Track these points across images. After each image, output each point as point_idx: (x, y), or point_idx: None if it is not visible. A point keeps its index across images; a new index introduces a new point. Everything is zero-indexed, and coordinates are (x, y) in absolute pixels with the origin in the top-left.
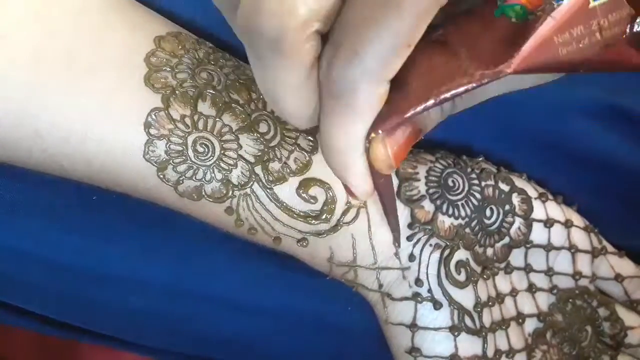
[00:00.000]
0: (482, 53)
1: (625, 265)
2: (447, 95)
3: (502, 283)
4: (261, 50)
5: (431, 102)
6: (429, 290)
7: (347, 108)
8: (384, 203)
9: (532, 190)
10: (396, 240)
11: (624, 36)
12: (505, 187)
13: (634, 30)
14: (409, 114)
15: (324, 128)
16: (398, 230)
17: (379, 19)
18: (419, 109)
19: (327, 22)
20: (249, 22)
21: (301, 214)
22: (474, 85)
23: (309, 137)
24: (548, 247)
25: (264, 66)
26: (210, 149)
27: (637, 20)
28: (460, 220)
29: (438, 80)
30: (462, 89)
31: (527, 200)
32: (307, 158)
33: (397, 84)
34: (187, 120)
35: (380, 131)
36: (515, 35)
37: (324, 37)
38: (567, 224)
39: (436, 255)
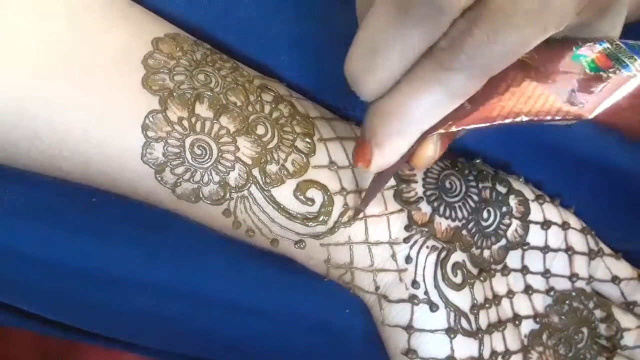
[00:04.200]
0: (567, 91)
1: (622, 268)
2: (533, 117)
3: (499, 285)
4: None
5: (519, 118)
6: (426, 292)
7: (450, 82)
8: (376, 181)
9: (529, 193)
10: (356, 213)
11: None
12: (502, 189)
13: None
14: (495, 122)
15: (406, 91)
16: (365, 206)
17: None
18: (507, 120)
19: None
20: None
21: (298, 216)
22: (558, 118)
23: (307, 140)
24: (545, 249)
25: (397, 16)
26: (208, 151)
27: None
28: (457, 222)
29: (527, 102)
30: (548, 116)
31: (524, 202)
32: (305, 160)
33: (483, 89)
34: (185, 123)
35: (452, 128)
36: (593, 85)
37: None
38: (564, 226)
39: (433, 257)
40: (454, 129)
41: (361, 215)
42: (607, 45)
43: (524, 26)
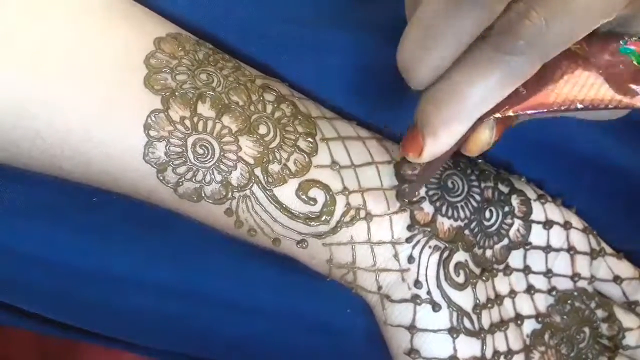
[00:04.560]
0: (618, 81)
1: (623, 267)
2: (587, 105)
3: (501, 284)
4: None
5: (574, 105)
6: (428, 292)
7: (507, 66)
8: (426, 169)
9: (531, 192)
10: (403, 203)
11: None
12: (504, 189)
13: None
14: (552, 108)
15: (461, 76)
16: (412, 196)
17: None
18: (562, 107)
19: None
20: None
21: (301, 215)
22: (611, 106)
23: (309, 139)
24: (547, 249)
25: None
26: (210, 151)
27: None
28: (459, 222)
29: (581, 90)
30: (602, 105)
31: (526, 201)
32: (307, 160)
33: (538, 76)
34: (187, 122)
35: (508, 112)
36: (637, 72)
37: None
38: (566, 226)
39: (435, 257)
40: (510, 113)
41: (363, 214)
42: None
43: (579, 11)
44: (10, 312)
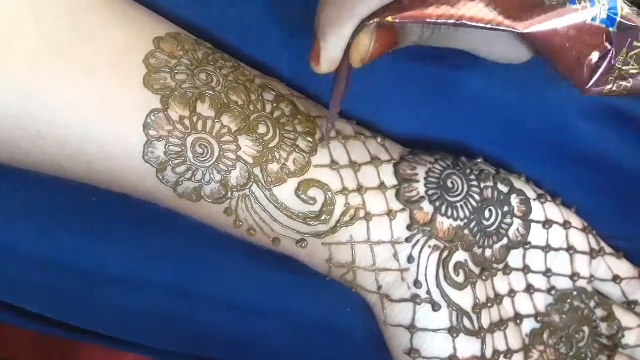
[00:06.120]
0: (507, 8)
1: (622, 267)
2: (465, 21)
3: (500, 284)
4: None
5: (452, 20)
6: (428, 292)
7: None
8: (334, 86)
9: (530, 192)
10: (327, 130)
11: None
12: (504, 188)
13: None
14: (430, 19)
15: None
16: (333, 121)
17: None
18: (440, 20)
19: None
20: None
21: (300, 214)
22: (491, 26)
23: (308, 138)
24: (546, 248)
25: None
26: (209, 150)
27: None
28: (459, 222)
29: (464, 7)
30: (480, 24)
31: (525, 201)
32: (306, 159)
33: None
34: (186, 121)
35: (388, 19)
36: (535, 8)
37: None
38: (565, 225)
39: (435, 256)
40: (389, 18)
41: (362, 213)
42: None
43: None
44: (12, 311)
